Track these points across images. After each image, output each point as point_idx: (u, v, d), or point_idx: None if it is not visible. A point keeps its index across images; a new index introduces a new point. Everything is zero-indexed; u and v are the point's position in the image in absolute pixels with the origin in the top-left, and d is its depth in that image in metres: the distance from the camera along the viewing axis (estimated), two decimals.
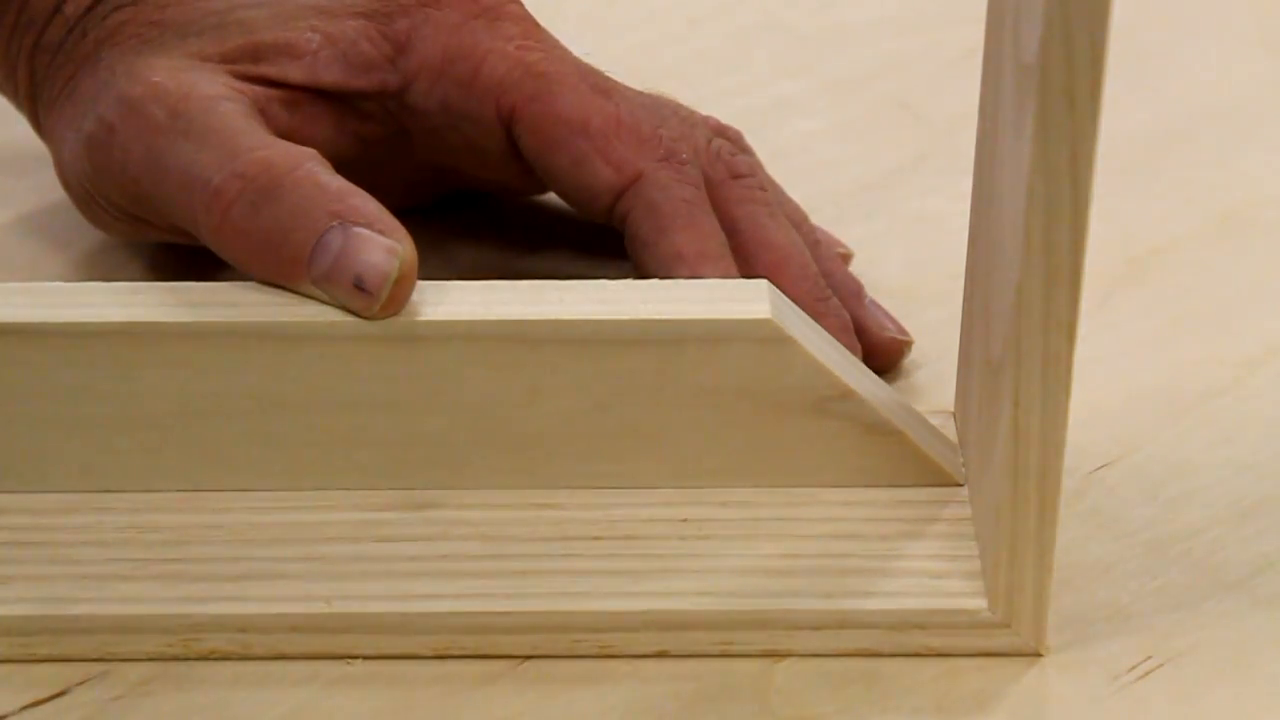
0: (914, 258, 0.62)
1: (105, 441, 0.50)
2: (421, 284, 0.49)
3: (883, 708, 0.47)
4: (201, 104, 0.52)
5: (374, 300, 0.48)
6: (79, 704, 0.47)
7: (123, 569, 0.49)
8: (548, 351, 0.49)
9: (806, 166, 0.65)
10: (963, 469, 0.51)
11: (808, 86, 0.71)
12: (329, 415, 0.50)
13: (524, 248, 0.61)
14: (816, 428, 0.50)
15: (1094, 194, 0.42)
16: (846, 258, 0.60)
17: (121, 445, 0.50)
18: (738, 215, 0.56)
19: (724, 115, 0.59)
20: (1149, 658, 0.48)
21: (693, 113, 0.58)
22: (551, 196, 0.60)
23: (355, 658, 0.48)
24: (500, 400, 0.49)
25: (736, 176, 0.57)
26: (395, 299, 0.48)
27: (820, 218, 0.60)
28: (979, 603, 0.48)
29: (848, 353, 0.51)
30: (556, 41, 0.57)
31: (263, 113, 0.54)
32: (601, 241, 0.59)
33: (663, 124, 0.56)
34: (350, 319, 0.48)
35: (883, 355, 0.56)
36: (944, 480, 0.51)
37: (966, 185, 0.50)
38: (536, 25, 0.57)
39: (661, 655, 0.48)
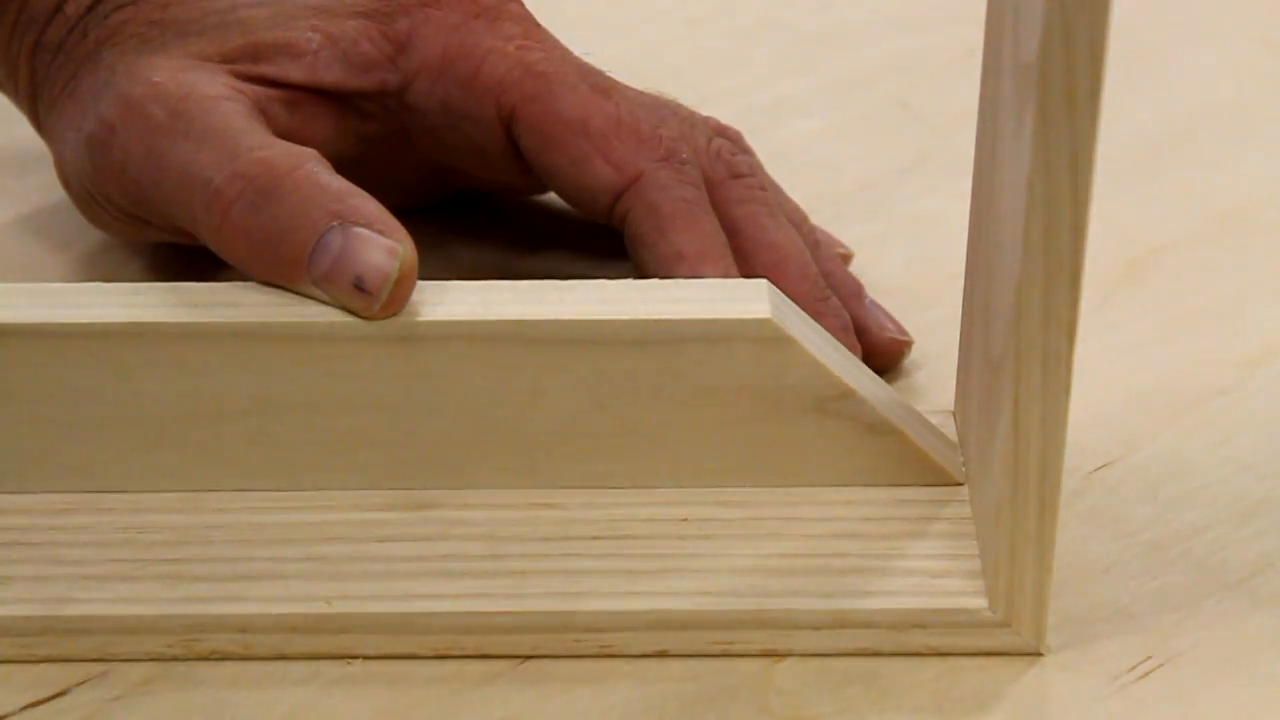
0: (914, 258, 0.62)
1: (105, 441, 0.50)
2: (421, 284, 0.49)
3: (883, 708, 0.47)
4: (202, 104, 0.52)
5: (374, 300, 0.48)
6: (79, 704, 0.47)
7: (123, 569, 0.49)
8: (548, 351, 0.49)
9: (806, 166, 0.65)
10: (963, 469, 0.51)
11: (808, 86, 0.71)
12: (329, 415, 0.50)
13: (524, 248, 0.61)
14: (816, 428, 0.50)
15: (1094, 194, 0.42)
16: (846, 258, 0.60)
17: (121, 445, 0.50)
18: (737, 215, 0.56)
19: (724, 115, 0.59)
20: (1149, 658, 0.48)
21: (693, 113, 0.58)
22: (551, 196, 0.60)
23: (355, 658, 0.48)
24: (500, 400, 0.49)
25: (736, 176, 0.57)
26: (395, 299, 0.48)
27: (820, 218, 0.60)
28: (979, 602, 0.48)
29: (848, 352, 0.51)
30: (557, 41, 0.57)
31: (263, 112, 0.54)
32: (601, 241, 0.59)
33: (663, 124, 0.56)
34: (350, 319, 0.48)
35: (883, 355, 0.57)
36: (944, 480, 0.51)
37: (966, 185, 0.50)
38: (537, 25, 0.57)
39: (661, 655, 0.48)
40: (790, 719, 0.47)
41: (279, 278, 0.49)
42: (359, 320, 0.48)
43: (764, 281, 0.50)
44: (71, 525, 0.50)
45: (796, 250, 0.56)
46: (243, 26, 0.56)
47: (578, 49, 0.57)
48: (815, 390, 0.49)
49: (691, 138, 0.57)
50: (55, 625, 0.48)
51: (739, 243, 0.55)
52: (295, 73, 0.55)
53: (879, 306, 0.57)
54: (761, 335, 0.48)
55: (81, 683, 0.47)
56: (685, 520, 0.50)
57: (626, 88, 0.57)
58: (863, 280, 0.58)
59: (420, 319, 0.48)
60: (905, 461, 0.51)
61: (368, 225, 0.48)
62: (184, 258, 0.58)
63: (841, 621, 0.48)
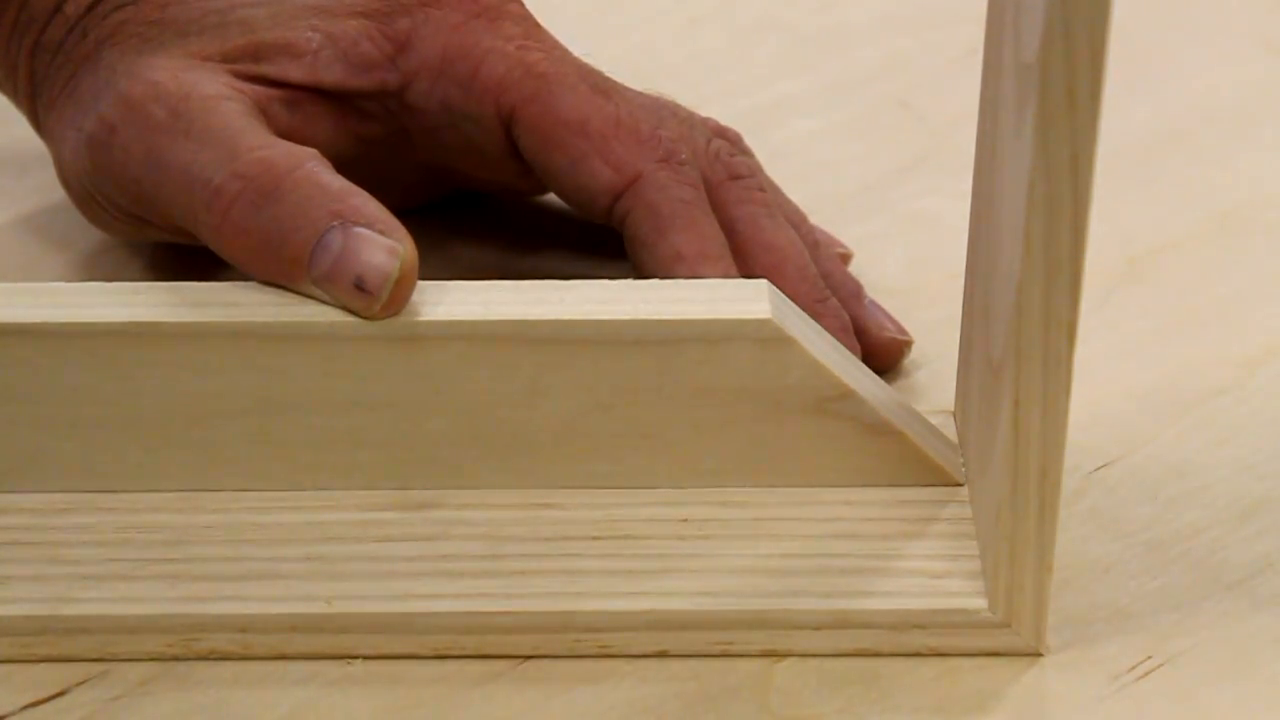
0: (914, 258, 0.62)
1: (105, 441, 0.50)
2: (421, 284, 0.49)
3: (883, 708, 0.47)
4: (202, 104, 0.52)
5: (374, 300, 0.48)
6: (79, 704, 0.47)
7: (123, 569, 0.49)
8: (548, 351, 0.49)
9: (806, 166, 0.65)
10: (963, 469, 0.51)
11: (808, 86, 0.71)
12: (329, 415, 0.50)
13: (524, 248, 0.61)
14: (816, 428, 0.50)
15: (1094, 194, 0.42)
16: (846, 258, 0.60)
17: (121, 445, 0.50)
18: (736, 216, 0.56)
19: (724, 115, 0.59)
20: (1149, 658, 0.48)
21: (692, 114, 0.58)
22: (551, 196, 0.60)
23: (355, 658, 0.48)
24: (500, 400, 0.49)
25: (735, 177, 0.57)
26: (396, 299, 0.48)
27: (820, 218, 0.60)
28: (979, 603, 0.48)
29: (848, 353, 0.51)
30: (557, 42, 0.57)
31: (263, 112, 0.54)
32: (601, 241, 0.59)
33: (662, 125, 0.56)
34: (350, 319, 0.48)
35: (883, 355, 0.57)
36: (944, 480, 0.51)
37: (966, 185, 0.50)
38: (537, 25, 0.57)
39: (661, 655, 0.48)
40: (790, 719, 0.47)
41: (280, 277, 0.49)
42: (359, 320, 0.48)
43: (764, 282, 0.50)
44: (71, 525, 0.50)
45: (795, 251, 0.56)
46: (242, 26, 0.56)
47: (577, 49, 0.57)
48: (815, 390, 0.49)
49: (690, 139, 0.57)
50: (55, 625, 0.48)
51: (738, 243, 0.55)
52: (295, 72, 0.55)
53: (879, 307, 0.57)
54: (761, 335, 0.48)
55: (81, 683, 0.47)
56: (685, 520, 0.50)
57: (626, 88, 0.57)
58: (863, 280, 0.58)
59: (420, 319, 0.48)
60: (905, 462, 0.51)
61: (368, 225, 0.48)
62: (184, 258, 0.58)
63: (841, 622, 0.48)
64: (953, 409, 0.54)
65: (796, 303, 0.52)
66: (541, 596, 0.48)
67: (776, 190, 0.59)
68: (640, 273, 0.54)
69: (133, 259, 0.60)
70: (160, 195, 0.52)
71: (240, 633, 0.48)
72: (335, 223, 0.48)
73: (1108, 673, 0.48)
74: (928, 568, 0.49)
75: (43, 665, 0.48)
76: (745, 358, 0.49)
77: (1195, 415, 0.55)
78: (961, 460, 0.52)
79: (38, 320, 0.48)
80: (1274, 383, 0.57)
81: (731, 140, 0.58)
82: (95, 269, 0.60)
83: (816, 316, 0.53)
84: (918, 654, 0.48)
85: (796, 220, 0.58)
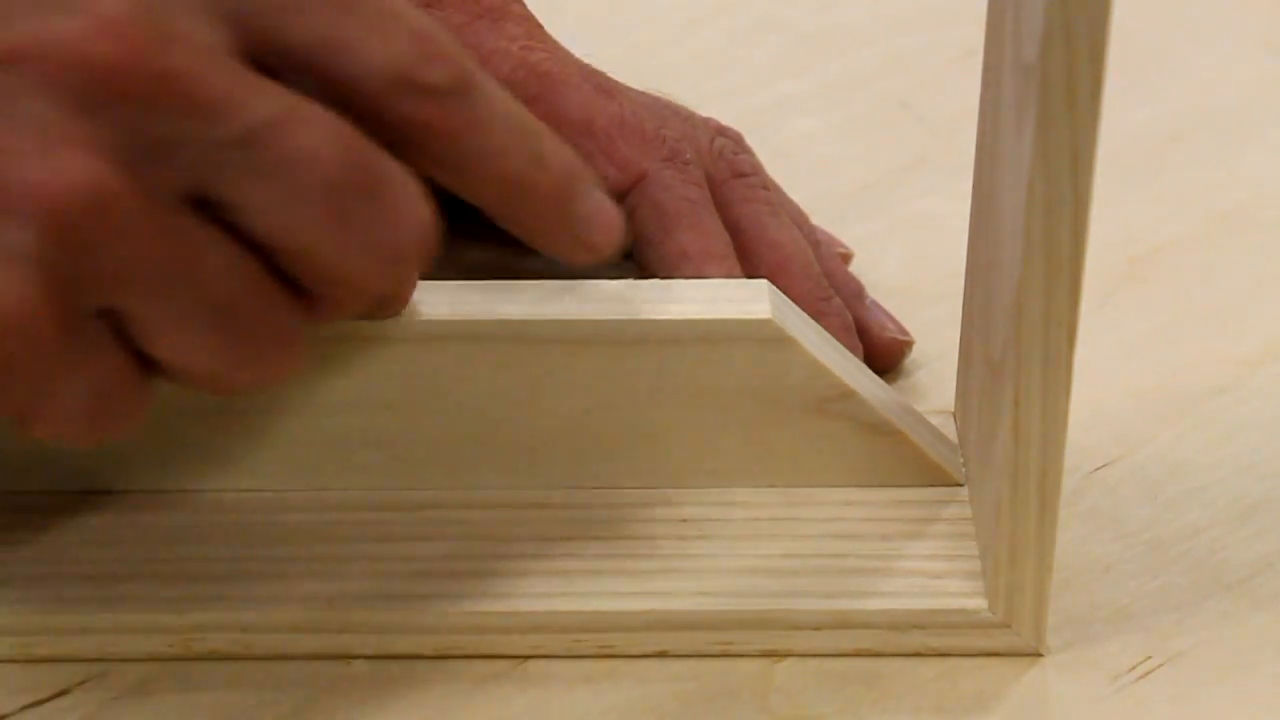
0: (914, 258, 0.62)
1: (105, 441, 0.50)
2: (422, 284, 0.49)
3: (883, 708, 0.47)
4: None
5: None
6: (79, 704, 0.47)
7: (123, 569, 0.49)
8: (548, 351, 0.49)
9: (806, 166, 0.65)
10: (963, 469, 0.51)
11: (808, 86, 0.71)
12: (329, 415, 0.50)
13: (524, 248, 0.61)
14: (816, 428, 0.50)
15: (1094, 194, 0.42)
16: (846, 258, 0.60)
17: (122, 445, 0.50)
18: (740, 214, 0.56)
19: (724, 115, 0.59)
20: (1149, 658, 0.48)
21: (693, 114, 0.58)
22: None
23: (355, 658, 0.48)
24: (500, 400, 0.49)
25: (739, 176, 0.57)
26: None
27: (820, 218, 0.60)
28: (979, 603, 0.48)
29: (848, 353, 0.51)
30: (558, 43, 0.57)
31: None
32: None
33: (665, 124, 0.56)
34: (350, 320, 0.48)
35: (883, 355, 0.57)
36: (944, 480, 0.51)
37: (966, 185, 0.50)
38: (539, 26, 0.57)
39: (661, 655, 0.48)
40: (790, 719, 0.47)
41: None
42: (359, 321, 0.48)
43: (764, 282, 0.50)
44: (72, 525, 0.50)
45: (799, 250, 0.56)
46: None
47: (579, 50, 0.57)
48: (815, 390, 0.49)
49: (694, 138, 0.57)
50: (55, 625, 0.48)
51: (742, 242, 0.55)
52: None
53: (880, 307, 0.57)
54: (762, 335, 0.48)
55: (81, 683, 0.47)
56: (685, 520, 0.50)
57: (628, 88, 0.57)
58: (863, 280, 0.58)
59: (420, 319, 0.48)
60: (905, 462, 0.51)
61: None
62: None
63: (841, 622, 0.48)
64: (953, 409, 0.54)
65: (800, 301, 0.52)
66: (541, 596, 0.48)
67: (778, 189, 0.59)
68: (645, 271, 0.54)
69: None
70: None
71: (240, 633, 0.48)
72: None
73: (1108, 673, 0.48)
74: (927, 568, 0.49)
75: (43, 665, 0.48)
76: (745, 358, 0.49)
77: (1195, 415, 0.55)
78: (961, 460, 0.52)
79: None
80: (1274, 383, 0.57)
81: (733, 139, 0.59)
82: None
83: (819, 315, 0.53)
84: (918, 654, 0.48)
85: (798, 220, 0.58)
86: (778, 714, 0.47)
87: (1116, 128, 0.64)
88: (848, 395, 0.49)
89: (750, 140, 0.59)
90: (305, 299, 0.43)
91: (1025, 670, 0.48)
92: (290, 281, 0.43)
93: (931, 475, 0.51)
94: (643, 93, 0.57)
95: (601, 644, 0.48)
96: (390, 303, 0.47)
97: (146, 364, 0.43)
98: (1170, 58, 0.72)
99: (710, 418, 0.50)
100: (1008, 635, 0.48)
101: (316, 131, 0.41)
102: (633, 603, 0.48)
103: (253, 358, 0.43)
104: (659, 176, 0.55)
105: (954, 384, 0.54)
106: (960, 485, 0.51)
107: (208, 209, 0.42)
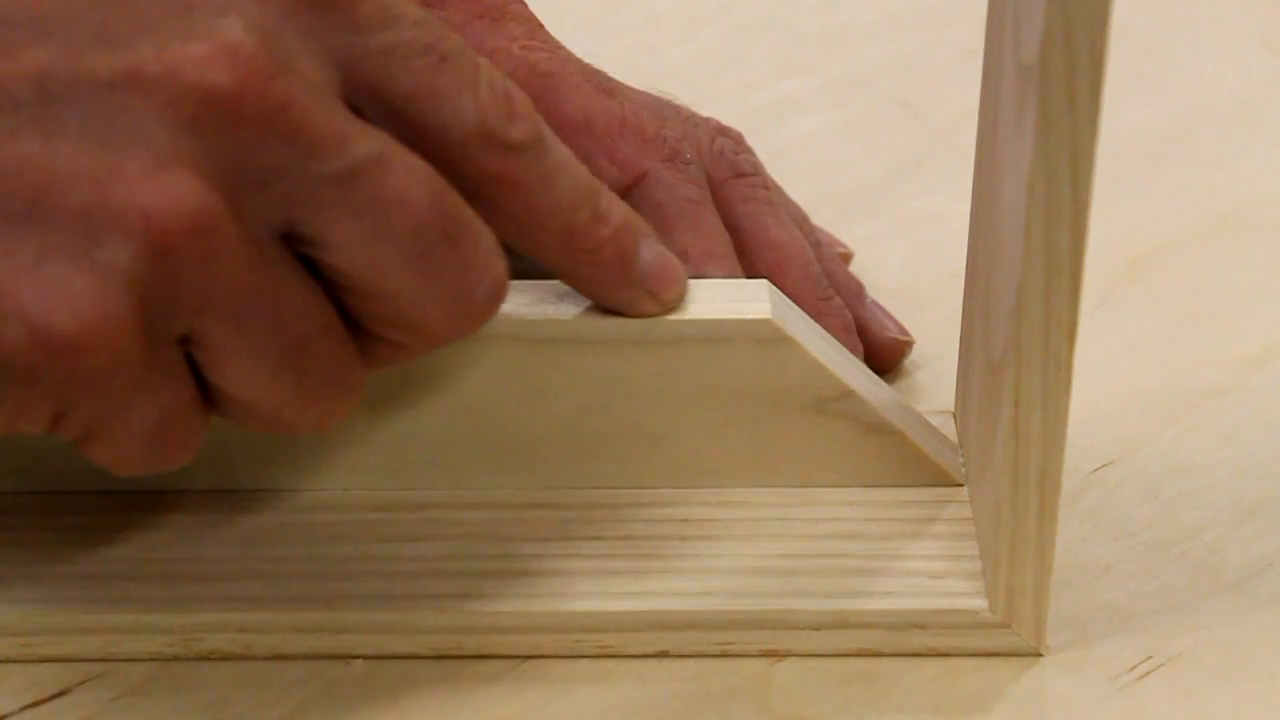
0: (914, 258, 0.62)
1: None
2: None
3: (883, 708, 0.47)
4: None
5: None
6: (79, 704, 0.47)
7: (123, 569, 0.49)
8: (548, 351, 0.49)
9: (806, 166, 0.65)
10: (963, 469, 0.51)
11: (808, 86, 0.71)
12: None
13: None
14: (816, 428, 0.50)
15: (1094, 194, 0.42)
16: (847, 257, 0.60)
17: None
18: (741, 214, 0.56)
19: (724, 115, 0.59)
20: (1149, 658, 0.48)
21: (694, 113, 0.58)
22: None
23: (355, 658, 0.48)
24: (500, 400, 0.49)
25: (739, 175, 0.57)
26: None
27: (820, 218, 0.60)
28: (979, 603, 0.48)
29: (848, 353, 0.51)
30: (559, 42, 0.57)
31: None
32: None
33: (666, 124, 0.56)
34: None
35: (883, 355, 0.57)
36: (944, 480, 0.51)
37: (966, 185, 0.50)
38: (540, 25, 0.57)
39: (661, 655, 0.48)
40: (790, 719, 0.47)
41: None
42: None
43: (764, 282, 0.50)
44: (72, 525, 0.50)
45: (800, 249, 0.56)
46: None
47: (579, 50, 0.57)
48: (815, 390, 0.49)
49: (694, 138, 0.57)
50: (55, 625, 0.48)
51: (742, 241, 0.55)
52: None
53: (880, 307, 0.57)
54: (762, 335, 0.48)
55: (81, 683, 0.47)
56: (685, 520, 0.50)
57: (629, 88, 0.57)
58: (863, 280, 0.58)
59: None
60: (905, 462, 0.51)
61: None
62: None
63: (841, 622, 0.48)
64: (953, 409, 0.54)
65: (800, 301, 0.52)
66: (541, 596, 0.48)
67: (778, 189, 0.59)
68: None
69: None
70: None
71: (240, 633, 0.48)
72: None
73: (1108, 673, 0.48)
74: (928, 568, 0.49)
75: (43, 665, 0.48)
76: (745, 358, 0.49)
77: (1195, 415, 0.55)
78: (961, 460, 0.52)
79: None
80: (1274, 383, 0.57)
81: (734, 139, 0.59)
82: None
83: (820, 315, 0.53)
84: (918, 654, 0.48)
85: (798, 220, 0.58)
86: (778, 714, 0.47)
87: (1116, 128, 0.64)
88: (848, 395, 0.49)
89: (750, 140, 0.59)
90: (370, 344, 0.44)
91: (1025, 670, 0.48)
92: (358, 326, 0.44)
93: (931, 475, 0.51)
94: (643, 93, 0.57)
95: (601, 644, 0.48)
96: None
97: (209, 398, 0.43)
98: (1170, 58, 0.72)
99: (710, 418, 0.50)
100: (1008, 635, 0.48)
101: (410, 176, 0.42)
102: (633, 603, 0.48)
103: (313, 398, 0.43)
104: (659, 176, 0.55)
105: (954, 384, 0.54)
106: (960, 485, 0.51)
107: (293, 244, 0.42)
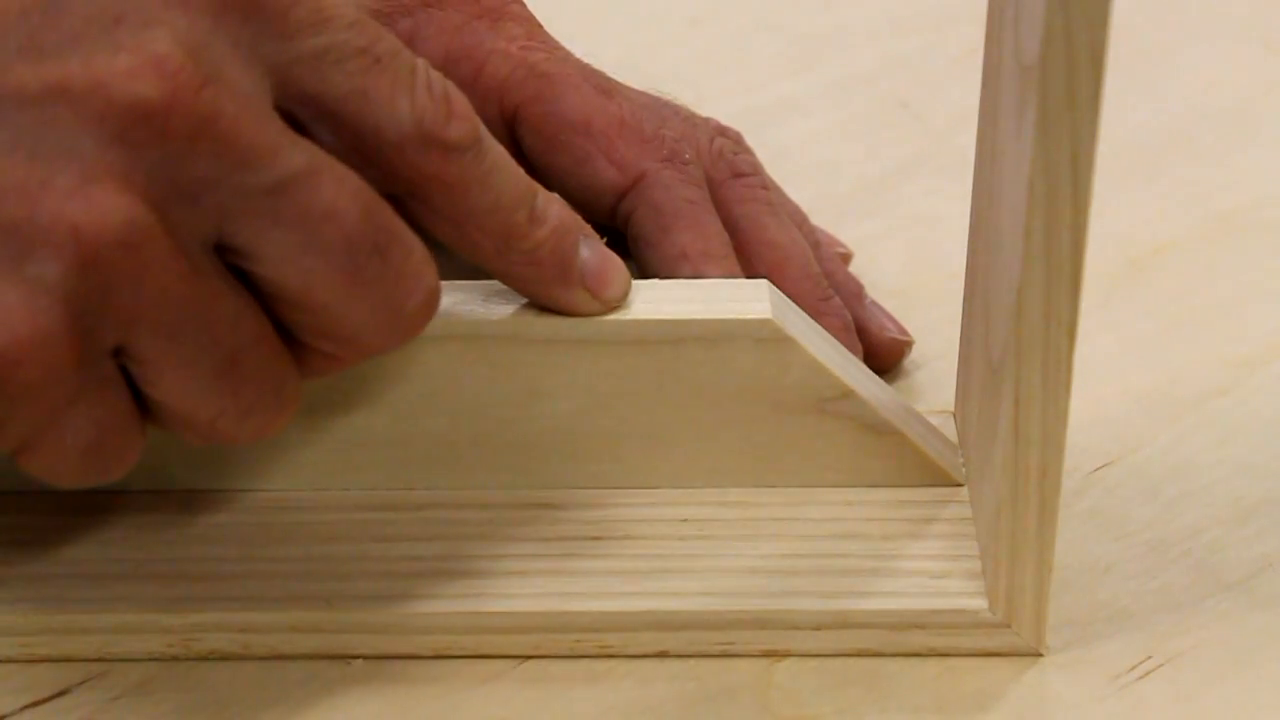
0: (914, 258, 0.62)
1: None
2: None
3: (883, 708, 0.47)
4: None
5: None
6: (79, 704, 0.47)
7: (123, 569, 0.49)
8: (548, 351, 0.49)
9: (806, 166, 0.65)
10: (963, 469, 0.51)
11: (808, 86, 0.71)
12: (330, 415, 0.50)
13: None
14: (816, 428, 0.50)
15: (1094, 194, 0.42)
16: (846, 258, 0.60)
17: None
18: (740, 214, 0.56)
19: (724, 115, 0.59)
20: (1149, 658, 0.48)
21: (693, 114, 0.58)
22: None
23: (355, 658, 0.48)
24: (500, 400, 0.49)
25: (738, 176, 0.57)
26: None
27: (820, 218, 0.60)
28: (979, 603, 0.48)
29: (848, 353, 0.51)
30: (558, 43, 0.57)
31: None
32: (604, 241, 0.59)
33: (665, 124, 0.56)
34: None
35: (883, 355, 0.57)
36: (944, 480, 0.51)
37: (966, 185, 0.50)
38: (539, 26, 0.57)
39: (661, 655, 0.48)
40: (790, 719, 0.47)
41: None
42: None
43: (764, 281, 0.50)
44: (72, 525, 0.50)
45: (799, 250, 0.56)
46: None
47: (579, 50, 0.57)
48: (815, 390, 0.49)
49: (693, 138, 0.57)
50: (55, 625, 0.48)
51: (741, 242, 0.55)
52: None
53: (879, 307, 0.57)
54: (762, 335, 0.49)
55: (81, 683, 0.47)
56: (685, 520, 0.50)
57: (628, 88, 0.57)
58: (863, 280, 0.58)
59: None
60: (905, 462, 0.51)
61: None
62: None
63: (841, 622, 0.48)
64: (953, 409, 0.54)
65: (799, 301, 0.52)
66: (541, 596, 0.48)
67: (777, 189, 0.59)
68: (644, 272, 0.54)
69: None
70: None
71: (240, 633, 0.48)
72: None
73: (1108, 673, 0.48)
74: (928, 568, 0.49)
75: (43, 665, 0.48)
76: (745, 358, 0.49)
77: (1195, 415, 0.55)
78: (961, 460, 0.52)
79: None
80: (1274, 383, 0.57)
81: (733, 139, 0.59)
82: None
83: (819, 315, 0.53)
84: (918, 654, 0.48)
85: (798, 220, 0.58)
86: (778, 714, 0.47)
87: (1116, 128, 0.64)
88: (848, 395, 0.49)
89: (750, 140, 0.59)
90: (303, 355, 0.44)
91: (1025, 670, 0.48)
92: (292, 337, 0.44)
93: (931, 475, 0.51)
94: (642, 93, 0.57)
95: (601, 644, 0.48)
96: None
97: (145, 409, 0.43)
98: (1170, 58, 0.72)
99: (710, 417, 0.50)
100: (1008, 635, 0.48)
101: (341, 188, 0.42)
102: (633, 603, 0.48)
103: (249, 409, 0.44)
104: (658, 177, 0.55)
105: (954, 384, 0.54)
106: (960, 485, 0.51)
107: (225, 255, 0.42)
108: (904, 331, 0.57)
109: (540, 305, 0.48)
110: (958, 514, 0.50)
